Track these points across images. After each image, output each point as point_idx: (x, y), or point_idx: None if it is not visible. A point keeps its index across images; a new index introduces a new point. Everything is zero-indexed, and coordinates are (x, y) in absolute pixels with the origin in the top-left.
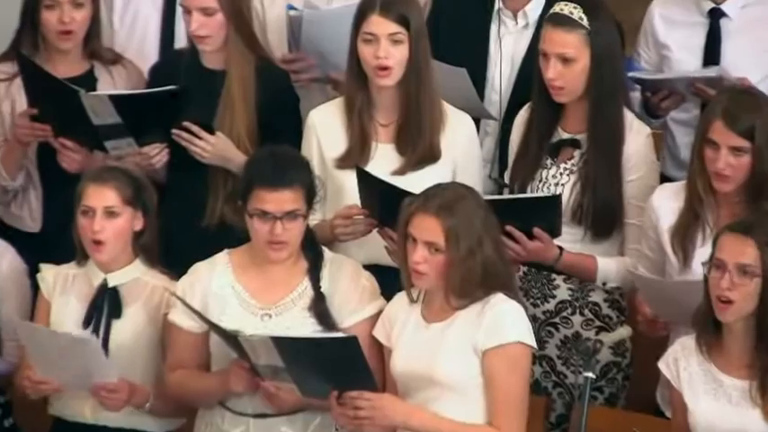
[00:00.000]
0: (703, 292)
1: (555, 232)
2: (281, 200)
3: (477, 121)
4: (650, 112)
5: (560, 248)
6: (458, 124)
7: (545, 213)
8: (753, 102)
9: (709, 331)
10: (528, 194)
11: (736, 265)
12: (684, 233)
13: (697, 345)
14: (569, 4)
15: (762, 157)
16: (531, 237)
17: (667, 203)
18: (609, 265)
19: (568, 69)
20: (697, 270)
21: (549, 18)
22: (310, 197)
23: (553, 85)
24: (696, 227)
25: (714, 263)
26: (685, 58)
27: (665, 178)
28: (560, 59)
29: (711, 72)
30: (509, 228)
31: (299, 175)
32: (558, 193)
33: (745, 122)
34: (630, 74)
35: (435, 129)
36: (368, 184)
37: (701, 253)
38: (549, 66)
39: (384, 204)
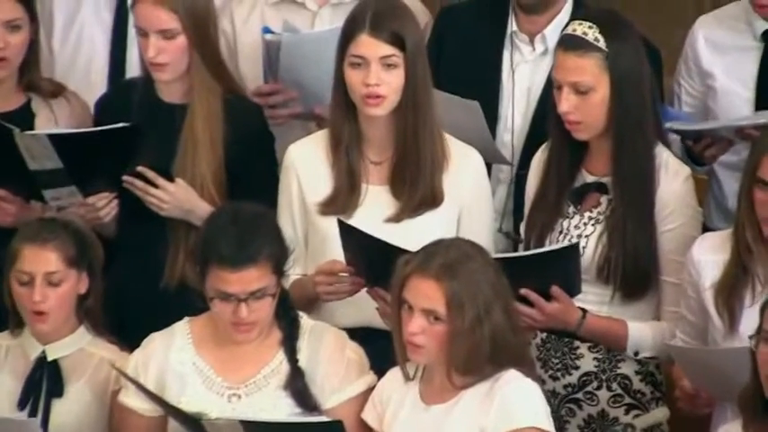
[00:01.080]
0: (751, 369)
1: (574, 290)
2: (245, 280)
3: (488, 167)
4: (694, 159)
5: (583, 311)
6: (463, 161)
7: (562, 268)
8: None
9: (759, 416)
10: (541, 249)
11: None
12: (731, 291)
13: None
14: (584, 23)
15: None
16: (546, 298)
17: (710, 256)
18: (642, 332)
19: (585, 100)
20: (745, 334)
21: (560, 41)
22: (280, 266)
23: (569, 119)
24: (745, 283)
25: (763, 335)
26: (735, 89)
27: (707, 230)
28: (574, 89)
29: (764, 118)
30: (525, 291)
31: (265, 245)
32: (579, 244)
33: None
34: (667, 124)
35: (437, 167)
36: (352, 238)
37: (750, 313)
38: (563, 97)
39: (372, 261)
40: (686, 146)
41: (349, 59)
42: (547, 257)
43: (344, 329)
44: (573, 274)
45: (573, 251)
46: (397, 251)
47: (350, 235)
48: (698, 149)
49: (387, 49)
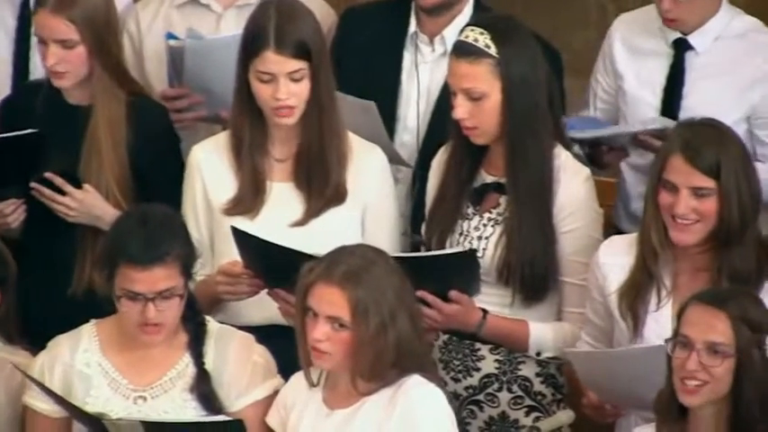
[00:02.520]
0: (666, 373)
1: (472, 291)
2: (153, 279)
3: None
4: (596, 164)
5: (484, 311)
6: (367, 158)
7: (459, 271)
8: (716, 134)
9: (673, 419)
10: (438, 251)
11: (705, 343)
12: (635, 295)
13: None
14: (476, 29)
15: (729, 199)
16: (446, 299)
17: (615, 260)
18: (544, 332)
19: (478, 106)
20: (650, 338)
21: (453, 48)
22: (188, 268)
23: (464, 125)
24: (649, 287)
25: (679, 339)
26: (642, 94)
27: (618, 233)
28: (467, 96)
29: (656, 124)
30: (421, 293)
31: (173, 245)
32: (477, 247)
33: (708, 158)
34: (569, 133)
35: (341, 164)
36: (248, 244)
37: (655, 318)
38: (457, 103)
39: (271, 265)
40: (586, 153)
41: (256, 74)
42: (444, 260)
43: (250, 327)
44: (471, 277)
45: (469, 257)
46: (295, 254)
47: (245, 241)
48: (596, 154)
49: (294, 65)
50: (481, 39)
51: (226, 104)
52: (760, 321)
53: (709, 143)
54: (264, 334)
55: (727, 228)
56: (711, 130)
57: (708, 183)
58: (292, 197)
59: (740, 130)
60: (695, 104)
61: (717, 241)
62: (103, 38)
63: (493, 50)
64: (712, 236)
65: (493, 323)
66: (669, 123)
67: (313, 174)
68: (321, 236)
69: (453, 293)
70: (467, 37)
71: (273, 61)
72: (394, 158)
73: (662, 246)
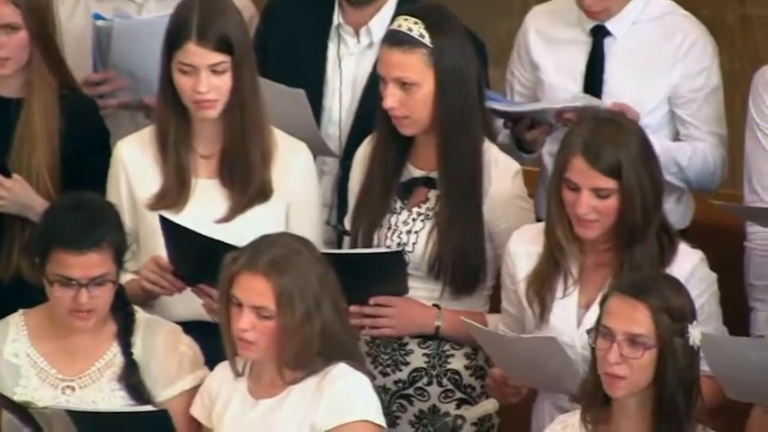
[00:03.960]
0: (590, 363)
1: (401, 291)
2: (87, 264)
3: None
4: (520, 147)
5: (437, 306)
6: (292, 154)
7: (388, 270)
8: (616, 132)
9: (597, 406)
10: (366, 250)
11: (625, 334)
12: (542, 282)
13: (582, 422)
14: (410, 18)
15: (631, 198)
16: (373, 294)
17: (525, 248)
18: (496, 321)
19: (410, 96)
20: (555, 325)
21: (385, 36)
22: (120, 256)
23: (394, 114)
24: (556, 275)
25: (601, 331)
26: (563, 83)
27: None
28: (399, 85)
29: (577, 102)
30: (373, 299)
31: (107, 232)
32: (407, 241)
33: (609, 158)
34: (487, 103)
35: (265, 160)
36: (175, 234)
37: (561, 305)
38: (388, 93)
39: (196, 257)
40: (509, 130)
41: (178, 66)
42: (372, 259)
43: (179, 323)
44: (399, 276)
45: (397, 257)
46: (222, 246)
47: (172, 231)
48: (519, 132)
49: (215, 57)
50: (415, 28)
51: (150, 90)
52: (681, 309)
53: (609, 143)
54: (191, 330)
55: (630, 227)
56: (612, 128)
57: (609, 184)
58: (217, 194)
59: (662, 113)
60: (616, 90)
61: (620, 240)
62: (44, 22)
63: (427, 40)
64: (616, 235)
65: (450, 317)
66: (592, 101)
67: (236, 171)
68: (246, 232)
69: (385, 299)
70: (400, 26)
71: (195, 53)
72: (323, 149)
73: (567, 239)
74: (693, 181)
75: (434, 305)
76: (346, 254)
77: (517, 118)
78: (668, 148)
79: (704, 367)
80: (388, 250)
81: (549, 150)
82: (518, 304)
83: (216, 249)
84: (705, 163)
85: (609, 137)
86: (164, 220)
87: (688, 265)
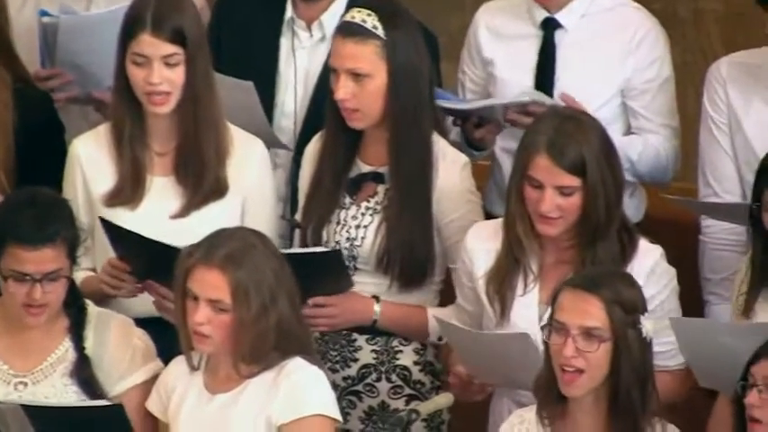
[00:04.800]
0: (544, 358)
1: (344, 287)
2: (42, 260)
3: None
4: (471, 144)
5: (377, 298)
6: (247, 150)
7: (327, 269)
8: (579, 129)
9: (553, 401)
10: (303, 250)
11: (579, 328)
12: (502, 280)
13: (538, 417)
14: (363, 10)
15: (595, 195)
16: (317, 293)
17: (483, 245)
18: (444, 316)
19: (362, 88)
20: (516, 322)
21: (338, 28)
22: (73, 252)
23: (345, 107)
24: (516, 272)
25: (554, 326)
26: (515, 77)
27: (491, 217)
28: (352, 76)
29: (524, 97)
30: (312, 300)
31: (61, 228)
32: (356, 236)
33: (573, 156)
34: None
35: (221, 157)
36: (118, 235)
37: (522, 302)
38: (340, 84)
39: (142, 256)
40: (459, 127)
41: (131, 57)
42: (309, 259)
43: (136, 320)
44: (339, 275)
45: (334, 256)
46: (163, 247)
47: (114, 233)
48: (467, 130)
49: (169, 48)
50: (369, 20)
51: (98, 84)
52: (633, 301)
53: (572, 140)
54: (148, 326)
55: (594, 224)
56: (574, 125)
57: (573, 182)
58: (172, 191)
59: (614, 105)
60: (569, 83)
61: (582, 237)
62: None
63: (380, 32)
64: (578, 232)
65: (389, 309)
66: (538, 97)
67: (191, 167)
68: (201, 229)
69: (324, 299)
70: (353, 17)
71: (148, 43)
72: (274, 142)
73: (527, 236)
74: (646, 175)
75: (374, 297)
76: (284, 253)
77: (465, 116)
78: (619, 144)
79: (658, 362)
80: (325, 249)
81: (501, 146)
82: (475, 301)
83: (159, 251)
84: (657, 156)
85: (572, 134)
86: (105, 223)
87: (649, 261)
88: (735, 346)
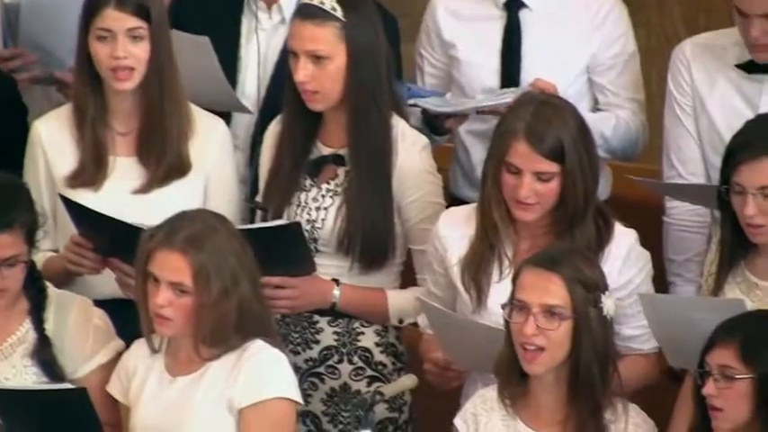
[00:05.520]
0: (505, 337)
1: (307, 268)
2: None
3: None
4: (434, 129)
5: (336, 281)
6: (209, 130)
7: (288, 244)
8: (555, 114)
9: (514, 381)
10: (262, 224)
11: (541, 306)
12: (478, 267)
13: (500, 397)
14: None
15: (573, 181)
16: (278, 273)
17: (455, 231)
18: (403, 298)
19: (321, 70)
20: (493, 309)
21: (297, 10)
22: (31, 237)
23: (305, 89)
24: (491, 259)
25: (515, 304)
26: (479, 59)
27: (456, 200)
28: (311, 58)
29: (506, 98)
30: (266, 279)
31: (18, 213)
32: (316, 218)
33: (551, 142)
34: (411, 101)
35: (183, 136)
36: (79, 214)
37: (498, 288)
38: (299, 66)
39: (105, 236)
40: (426, 117)
41: (95, 33)
42: (269, 233)
43: (96, 302)
44: (301, 250)
45: (293, 229)
46: (125, 226)
47: (76, 211)
48: (437, 120)
49: (133, 22)
50: (327, 2)
51: (61, 64)
52: (594, 280)
53: (550, 126)
54: (109, 308)
55: (572, 209)
56: (550, 110)
57: (552, 167)
58: (135, 171)
59: (581, 82)
60: (535, 63)
61: (561, 223)
62: None
63: (339, 14)
64: (556, 218)
65: (348, 292)
66: (509, 97)
67: (153, 147)
68: (164, 206)
69: (284, 280)
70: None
71: (113, 17)
72: (233, 104)
73: (504, 222)
74: (618, 150)
75: (333, 280)
76: (244, 229)
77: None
78: (592, 120)
79: (633, 345)
80: (284, 222)
81: (466, 128)
82: (446, 287)
83: (122, 230)
84: (628, 131)
85: (549, 119)
86: (66, 201)
87: (625, 245)
88: (704, 322)
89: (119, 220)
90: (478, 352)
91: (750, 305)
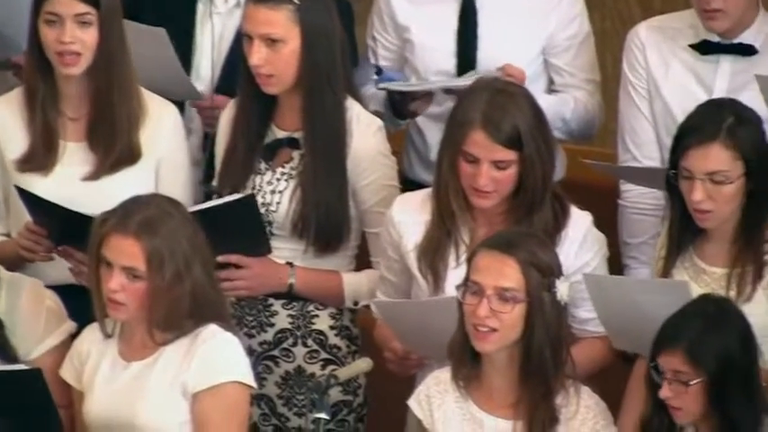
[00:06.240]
0: (458, 319)
1: (262, 248)
2: None
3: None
4: (397, 112)
5: (290, 264)
6: (160, 116)
7: (244, 220)
8: (511, 102)
9: (467, 363)
10: (216, 201)
11: (495, 289)
12: (434, 253)
13: (453, 379)
14: None
15: (531, 167)
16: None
17: (411, 217)
18: (358, 280)
19: (276, 53)
20: (451, 294)
21: None
22: None
23: (259, 72)
24: (448, 244)
25: (469, 286)
26: (435, 41)
27: (410, 183)
28: (265, 41)
29: (468, 80)
30: (223, 257)
31: None
32: (271, 201)
33: (508, 130)
34: (380, 85)
35: (133, 123)
36: (33, 203)
37: (456, 274)
38: (254, 50)
39: (59, 225)
40: (392, 100)
41: (44, 16)
42: (225, 210)
43: (51, 287)
44: (256, 228)
45: (248, 202)
46: (78, 216)
47: (31, 201)
48: (401, 103)
49: (82, 7)
50: None
51: (17, 49)
52: (549, 264)
53: (507, 114)
54: (63, 293)
55: (531, 196)
56: (506, 98)
57: (509, 155)
58: (85, 157)
59: (538, 64)
60: (492, 45)
61: (519, 209)
62: None
63: None
64: (515, 204)
65: (303, 275)
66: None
67: (103, 133)
68: (114, 193)
69: (238, 258)
70: None
71: (61, 2)
72: (190, 92)
73: (461, 209)
74: (576, 131)
75: (288, 263)
76: (199, 210)
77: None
78: (551, 104)
79: (589, 328)
80: (238, 196)
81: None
82: (401, 273)
83: (72, 218)
84: (585, 113)
85: (505, 107)
86: (20, 191)
87: (581, 228)
88: (648, 304)
89: (71, 210)
90: (435, 336)
91: (698, 290)
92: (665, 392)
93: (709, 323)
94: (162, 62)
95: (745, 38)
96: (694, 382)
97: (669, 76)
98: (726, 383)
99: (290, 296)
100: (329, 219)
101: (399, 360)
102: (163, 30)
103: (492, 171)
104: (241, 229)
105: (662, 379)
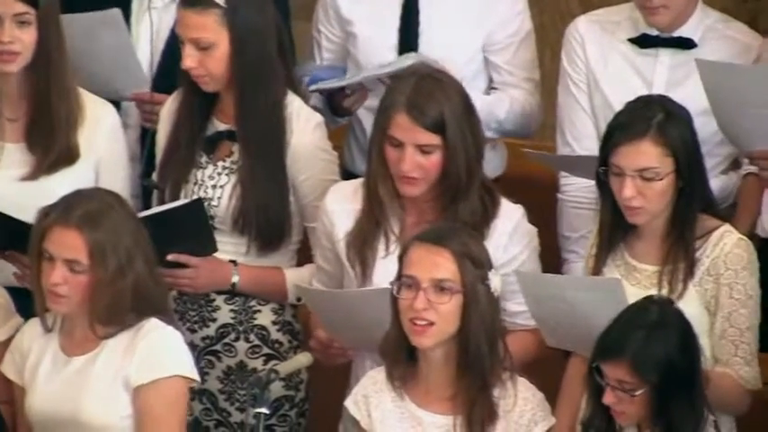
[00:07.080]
0: (392, 315)
1: (208, 248)
2: None
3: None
4: (335, 110)
5: (234, 262)
6: (99, 116)
7: (191, 223)
8: (438, 88)
9: (403, 360)
10: (165, 206)
11: (431, 281)
12: (363, 242)
13: (388, 378)
14: None
15: (455, 153)
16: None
17: (342, 206)
18: (300, 276)
19: (207, 56)
20: (379, 284)
21: None
22: None
23: (193, 74)
24: (377, 234)
25: (404, 281)
26: (377, 35)
27: (352, 176)
28: (195, 45)
29: (399, 65)
30: (172, 256)
31: None
32: (212, 196)
33: (432, 114)
34: (312, 87)
35: (72, 124)
36: None
37: (384, 264)
38: (186, 53)
39: (3, 231)
40: (328, 99)
41: None
42: (173, 214)
43: None
44: (203, 230)
45: (196, 206)
46: (16, 223)
47: None
48: (337, 100)
49: (20, 7)
50: None
51: None
52: (480, 256)
53: (432, 99)
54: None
55: (455, 183)
56: (433, 84)
57: (433, 139)
58: (23, 158)
59: (478, 61)
60: (433, 40)
61: (444, 197)
62: None
63: (220, 0)
64: (439, 192)
65: (246, 273)
66: (410, 60)
67: (41, 134)
68: (52, 195)
69: (184, 258)
70: None
71: (0, 2)
72: (139, 77)
73: (390, 197)
74: (511, 132)
75: (231, 261)
76: (147, 216)
77: (335, 91)
78: (486, 104)
79: (519, 321)
80: (185, 201)
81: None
82: (335, 262)
83: (13, 226)
84: (523, 112)
85: (431, 92)
86: None
87: (511, 221)
88: (580, 301)
89: (12, 217)
90: (358, 326)
91: (629, 288)
92: (608, 399)
93: (652, 332)
94: (115, 46)
95: (684, 31)
96: (639, 392)
97: (608, 69)
98: (669, 390)
99: (232, 291)
100: (269, 215)
101: (323, 348)
102: (117, 10)
103: (416, 156)
104: (188, 231)
105: (605, 384)
